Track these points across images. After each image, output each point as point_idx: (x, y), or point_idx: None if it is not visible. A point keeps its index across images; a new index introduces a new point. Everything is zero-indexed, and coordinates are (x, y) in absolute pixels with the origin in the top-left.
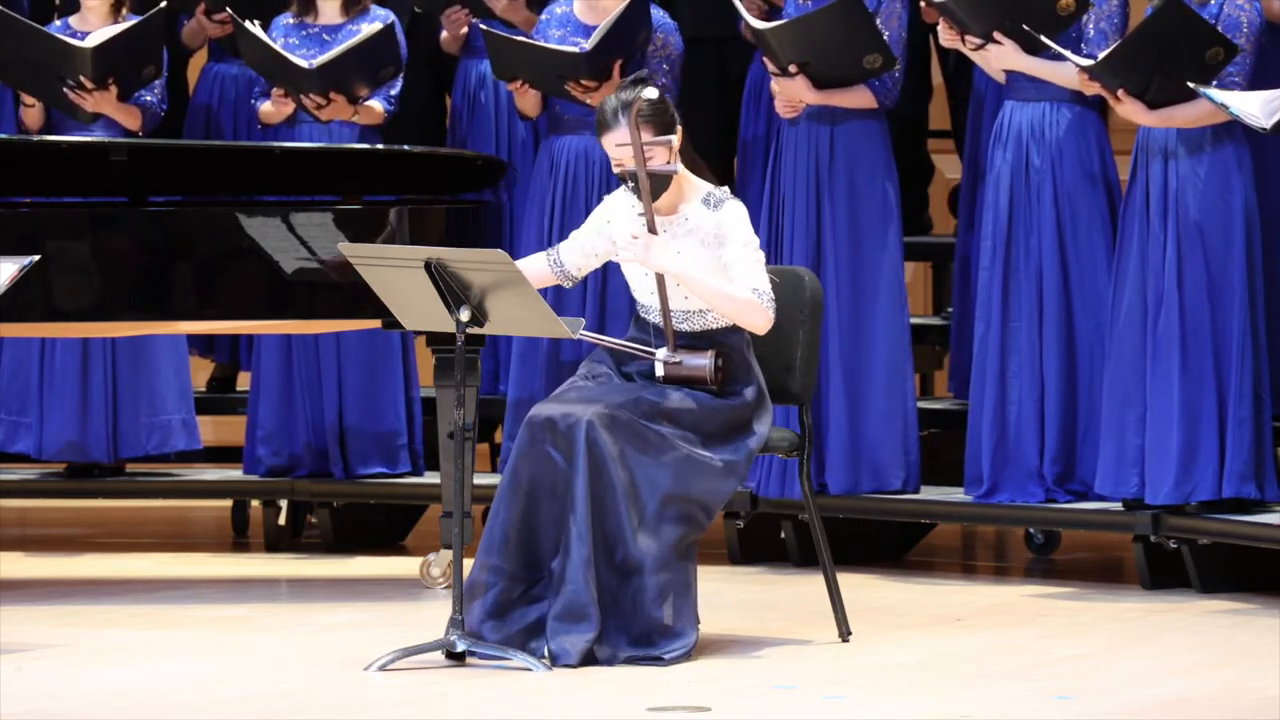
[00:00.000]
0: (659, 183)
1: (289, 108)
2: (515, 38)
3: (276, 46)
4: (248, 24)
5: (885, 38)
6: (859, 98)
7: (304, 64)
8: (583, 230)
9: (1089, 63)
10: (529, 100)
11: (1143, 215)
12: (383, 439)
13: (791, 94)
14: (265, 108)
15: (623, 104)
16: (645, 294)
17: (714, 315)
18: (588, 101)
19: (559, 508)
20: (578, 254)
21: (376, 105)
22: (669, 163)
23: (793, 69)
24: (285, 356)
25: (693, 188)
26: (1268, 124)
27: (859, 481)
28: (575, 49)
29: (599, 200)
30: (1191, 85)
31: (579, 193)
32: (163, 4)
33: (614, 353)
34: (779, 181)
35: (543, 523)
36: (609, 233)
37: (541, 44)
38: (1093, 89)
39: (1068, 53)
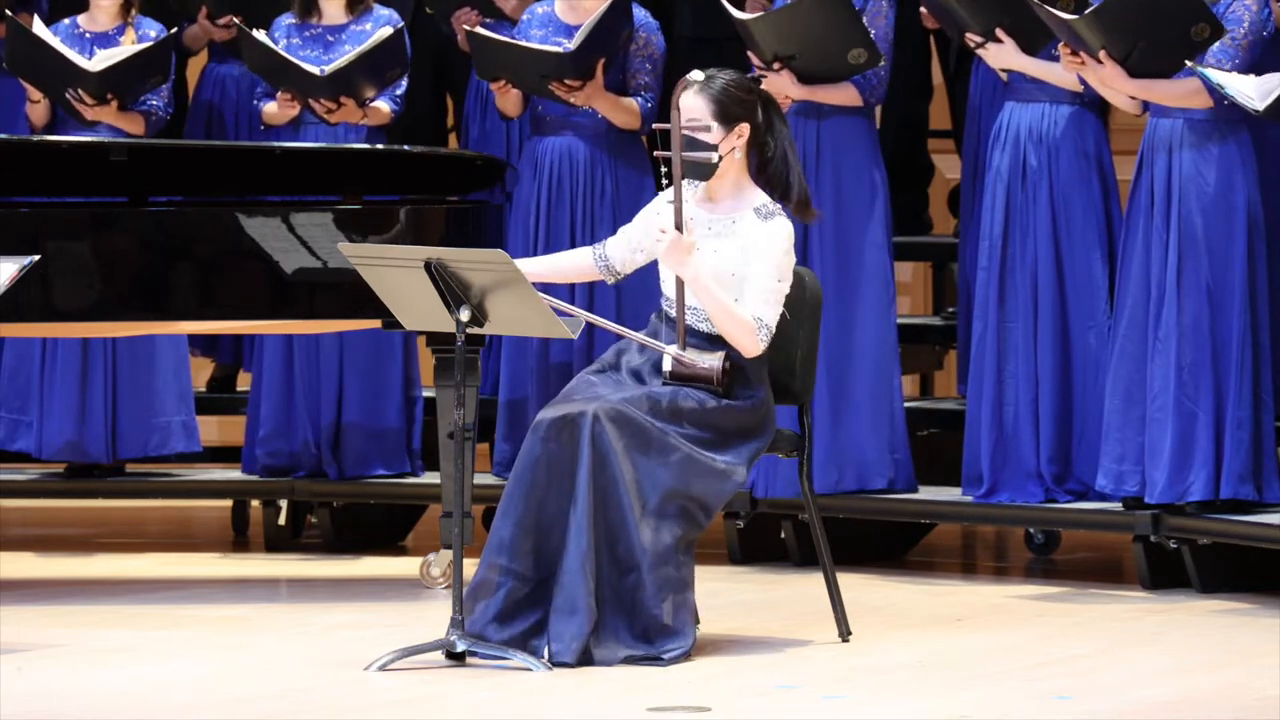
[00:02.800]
0: (696, 170)
1: (294, 110)
2: (499, 38)
3: (284, 53)
4: (256, 33)
5: (871, 35)
6: (844, 94)
7: (315, 71)
8: (632, 225)
9: (1073, 18)
10: (510, 100)
11: (1147, 212)
12: (381, 440)
13: (776, 89)
14: (269, 109)
15: (711, 73)
16: (670, 287)
17: None
18: (570, 101)
19: (565, 502)
20: (624, 249)
21: (384, 106)
22: (716, 148)
23: (776, 64)
24: (287, 356)
25: (749, 196)
26: (1260, 106)
27: (841, 480)
28: (559, 49)
29: (583, 202)
30: (1189, 64)
31: (564, 193)
32: (174, 30)
33: (624, 348)
34: None
35: (550, 520)
36: (658, 224)
37: (525, 44)
38: (1075, 65)
39: (1055, 10)
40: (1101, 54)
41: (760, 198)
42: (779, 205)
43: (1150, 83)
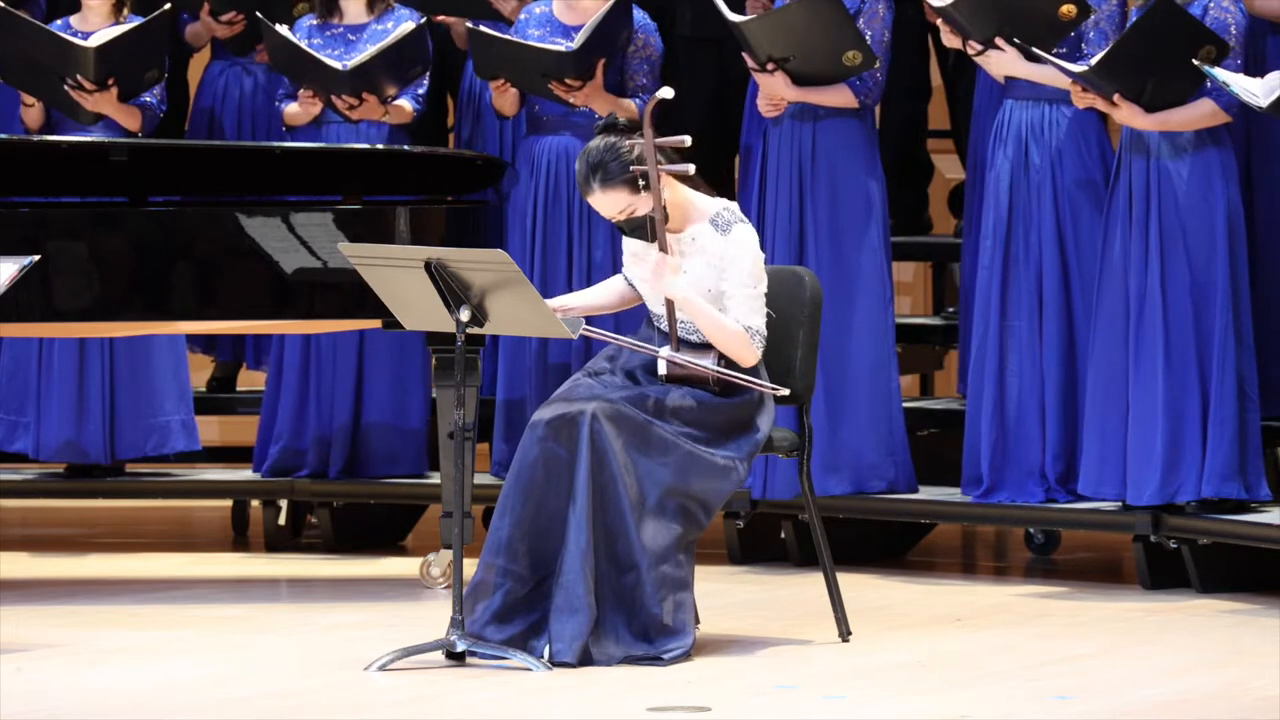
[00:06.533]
0: (644, 234)
1: (316, 108)
2: (501, 35)
3: (307, 48)
4: (278, 27)
5: (867, 37)
6: (839, 96)
7: (337, 65)
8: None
9: (1082, 69)
10: (508, 99)
11: (1125, 214)
12: (409, 440)
13: (771, 91)
14: (291, 109)
15: (590, 165)
16: (655, 303)
17: None
18: (570, 101)
19: (563, 502)
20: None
21: (406, 105)
22: (658, 211)
23: (770, 66)
24: (305, 356)
25: (698, 209)
26: (1264, 103)
27: (839, 484)
28: (562, 48)
29: (581, 201)
30: (1196, 62)
31: (560, 194)
32: (167, 6)
33: (617, 353)
34: (766, 181)
35: (549, 520)
36: (634, 250)
37: (528, 43)
38: (1085, 101)
39: (1062, 63)
40: (1116, 97)
41: (710, 206)
42: (730, 208)
43: (1167, 114)
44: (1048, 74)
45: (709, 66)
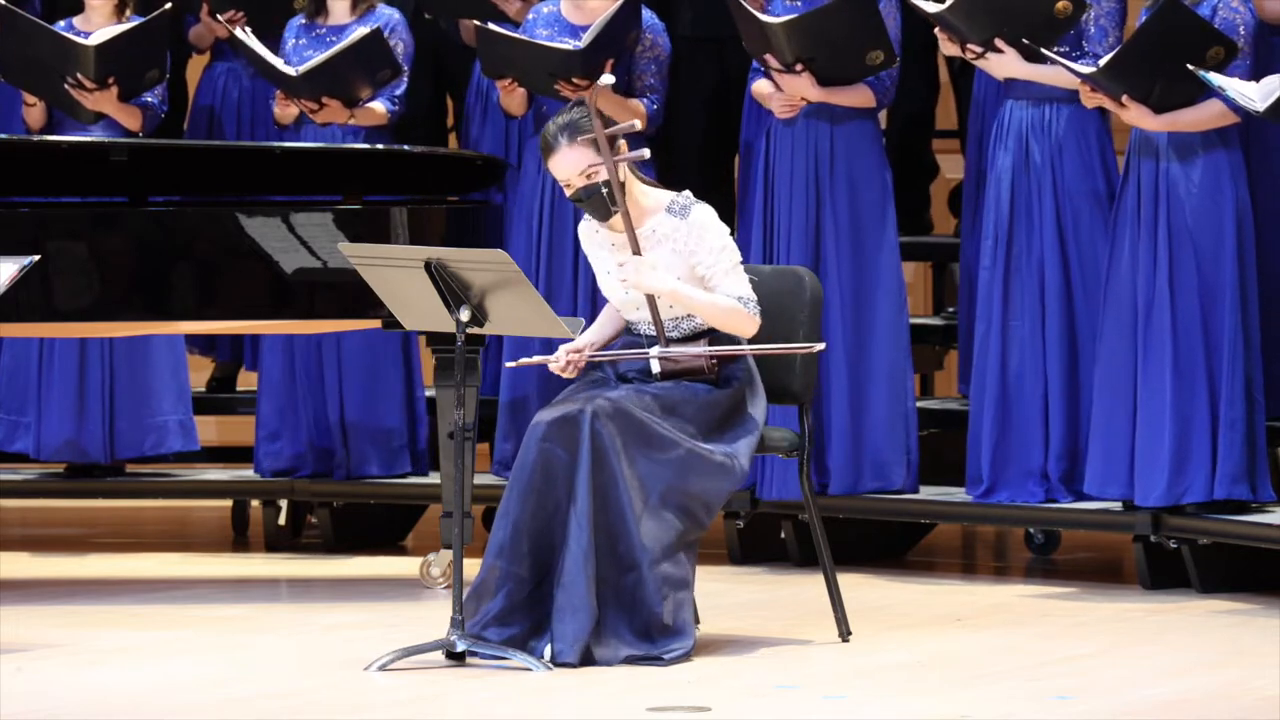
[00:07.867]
0: (602, 209)
1: (292, 109)
2: (508, 34)
3: (263, 52)
4: (237, 31)
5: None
6: (859, 96)
7: (290, 71)
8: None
9: (1090, 70)
10: (515, 99)
11: (1134, 216)
12: (382, 440)
13: (795, 91)
14: (276, 110)
15: (559, 125)
16: (631, 310)
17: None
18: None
19: (563, 503)
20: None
21: (378, 106)
22: (618, 179)
23: (799, 66)
24: (288, 356)
25: (653, 199)
26: (1261, 107)
27: (860, 481)
28: (569, 46)
29: None
30: (1191, 67)
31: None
32: (167, 5)
33: (607, 364)
34: (773, 181)
35: (549, 521)
36: (601, 260)
37: (534, 41)
38: (1094, 101)
39: (1070, 64)
40: (1124, 99)
41: (663, 197)
42: (684, 194)
43: (1176, 115)
44: (1048, 74)
45: (709, 66)
